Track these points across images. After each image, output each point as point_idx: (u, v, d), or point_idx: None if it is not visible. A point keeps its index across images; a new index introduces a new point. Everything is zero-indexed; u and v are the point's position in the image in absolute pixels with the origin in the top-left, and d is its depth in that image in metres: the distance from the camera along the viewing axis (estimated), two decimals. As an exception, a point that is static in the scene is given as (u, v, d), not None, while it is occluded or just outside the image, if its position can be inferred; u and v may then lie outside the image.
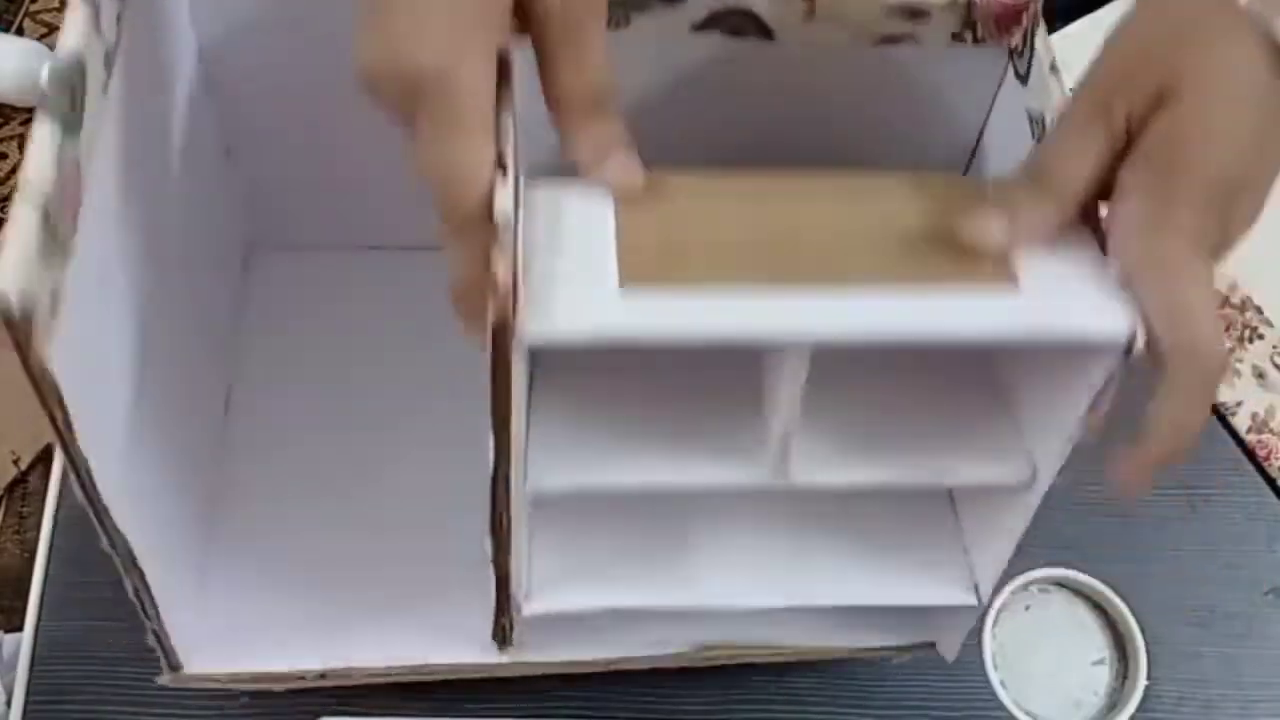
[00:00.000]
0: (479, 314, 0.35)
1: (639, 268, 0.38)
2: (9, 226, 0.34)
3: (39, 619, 0.61)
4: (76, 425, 0.37)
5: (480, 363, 0.38)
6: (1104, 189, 0.40)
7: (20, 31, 1.76)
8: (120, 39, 0.43)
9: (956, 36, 0.48)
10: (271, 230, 0.66)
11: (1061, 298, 0.39)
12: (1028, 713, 0.62)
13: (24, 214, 0.35)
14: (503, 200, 0.34)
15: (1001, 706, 0.62)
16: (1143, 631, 0.63)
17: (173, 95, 0.52)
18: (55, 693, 0.60)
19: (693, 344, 0.37)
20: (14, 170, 1.61)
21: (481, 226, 0.34)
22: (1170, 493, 0.69)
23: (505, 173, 0.35)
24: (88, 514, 0.41)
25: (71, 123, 0.37)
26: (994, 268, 0.39)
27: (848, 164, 0.57)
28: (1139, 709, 0.62)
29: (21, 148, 1.61)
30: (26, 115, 1.66)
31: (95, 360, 0.42)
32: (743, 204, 0.41)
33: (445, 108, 0.33)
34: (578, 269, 0.38)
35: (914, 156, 0.54)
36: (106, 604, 0.60)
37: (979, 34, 0.48)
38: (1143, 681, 0.63)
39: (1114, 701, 0.63)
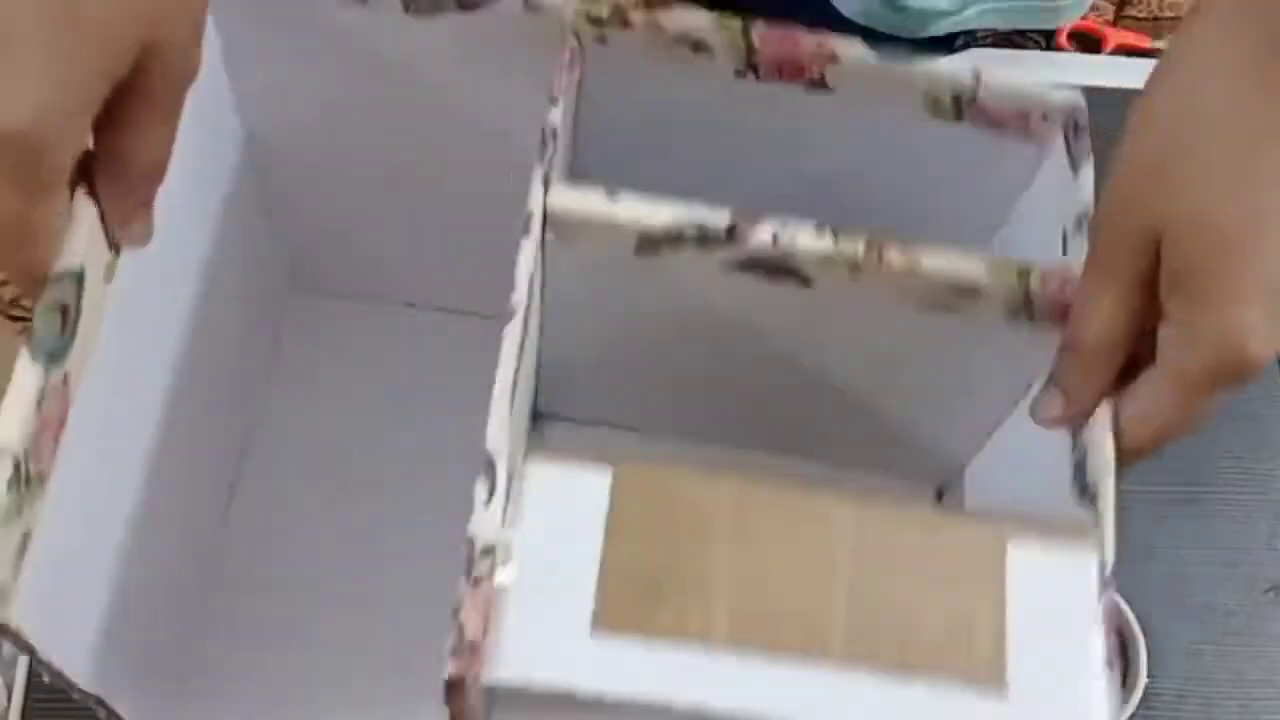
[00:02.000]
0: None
1: (616, 609, 0.37)
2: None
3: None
4: (45, 652, 0.38)
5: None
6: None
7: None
8: None
9: (1011, 315, 0.46)
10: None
11: (1049, 706, 0.38)
12: (1028, 712, 0.62)
13: None
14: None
15: (1002, 705, 0.62)
16: (1143, 630, 0.63)
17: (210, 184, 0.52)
18: (55, 691, 0.60)
19: (658, 707, 0.36)
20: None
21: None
22: (1170, 489, 0.69)
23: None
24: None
25: (58, 350, 0.36)
26: (985, 666, 0.38)
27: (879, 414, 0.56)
28: (1139, 708, 0.62)
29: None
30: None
31: (71, 572, 0.41)
32: (735, 527, 0.39)
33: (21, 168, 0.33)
34: (553, 605, 0.37)
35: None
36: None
37: (1034, 316, 0.46)
38: (1143, 680, 0.62)
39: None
